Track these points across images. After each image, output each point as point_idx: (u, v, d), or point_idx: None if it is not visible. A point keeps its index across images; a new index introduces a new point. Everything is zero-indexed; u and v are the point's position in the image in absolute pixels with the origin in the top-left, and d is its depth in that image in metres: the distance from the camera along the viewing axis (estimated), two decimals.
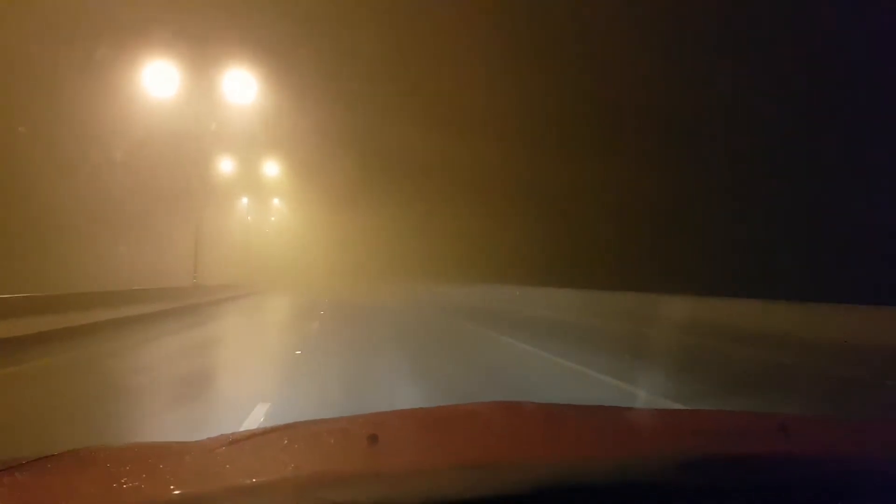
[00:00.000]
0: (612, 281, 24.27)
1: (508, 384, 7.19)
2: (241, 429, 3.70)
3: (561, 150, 38.83)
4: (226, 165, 41.94)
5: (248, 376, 8.05)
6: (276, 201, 63.61)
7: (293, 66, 34.12)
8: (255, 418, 5.00)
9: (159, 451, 1.63)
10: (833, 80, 24.92)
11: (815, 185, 23.67)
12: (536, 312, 20.45)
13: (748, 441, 1.54)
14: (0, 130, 23.14)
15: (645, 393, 6.19)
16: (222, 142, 35.48)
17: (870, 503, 1.19)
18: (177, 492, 1.21)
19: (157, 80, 25.98)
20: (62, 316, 12.19)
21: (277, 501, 1.10)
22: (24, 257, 22.97)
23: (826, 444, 1.58)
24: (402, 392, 6.34)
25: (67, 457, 1.51)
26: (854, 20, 24.12)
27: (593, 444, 1.59)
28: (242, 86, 29.00)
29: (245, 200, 52.26)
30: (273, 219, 69.16)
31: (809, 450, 1.45)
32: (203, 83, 28.14)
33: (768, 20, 27.88)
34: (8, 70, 22.40)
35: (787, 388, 7.39)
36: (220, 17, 29.95)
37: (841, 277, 18.88)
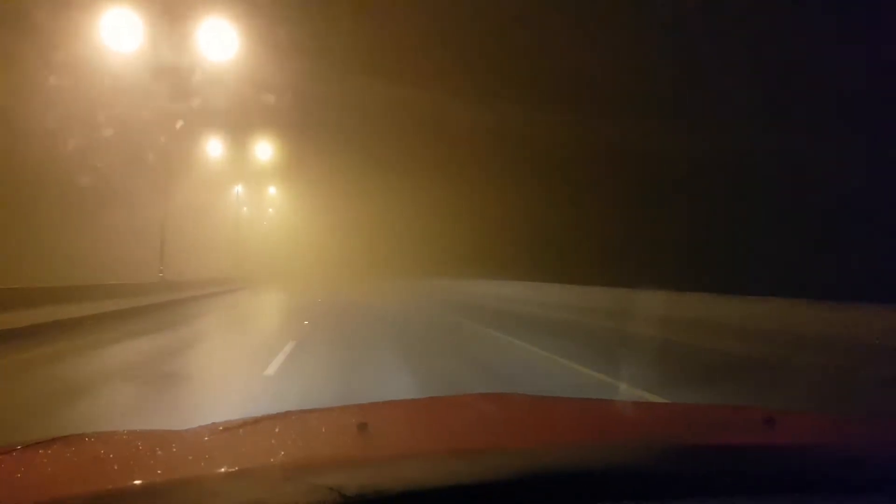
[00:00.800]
0: (617, 276, 22.54)
1: None
2: None
3: (564, 148, 35.75)
4: (213, 147, 36.51)
5: None
6: (272, 190, 58.21)
7: (279, 23, 28.55)
8: None
9: (151, 438, 1.57)
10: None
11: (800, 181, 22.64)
12: (580, 318, 16.19)
13: (734, 432, 1.53)
14: None
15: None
16: (205, 115, 29.79)
17: (852, 494, 1.16)
18: (168, 476, 1.18)
19: (118, 30, 20.52)
20: None
21: (268, 485, 1.05)
22: None
23: (810, 436, 1.56)
24: None
25: (59, 442, 1.47)
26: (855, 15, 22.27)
27: (581, 433, 1.56)
28: (224, 44, 23.42)
29: (238, 189, 46.81)
30: (271, 210, 64.33)
31: (794, 441, 1.43)
32: (177, 37, 22.59)
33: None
34: None
35: (734, 378, 7.37)
36: None
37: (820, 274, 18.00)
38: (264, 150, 44.51)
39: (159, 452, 1.39)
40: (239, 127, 38.50)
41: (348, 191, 66.33)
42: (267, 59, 30.15)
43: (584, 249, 33.02)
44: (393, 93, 41.45)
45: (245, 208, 52.54)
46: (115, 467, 1.28)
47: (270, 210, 64.17)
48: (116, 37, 20.53)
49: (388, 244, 67.24)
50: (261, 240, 58.66)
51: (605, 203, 34.05)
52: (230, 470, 1.18)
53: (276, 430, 1.58)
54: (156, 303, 17.23)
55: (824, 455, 1.28)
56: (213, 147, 36.62)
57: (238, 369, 7.07)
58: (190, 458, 1.35)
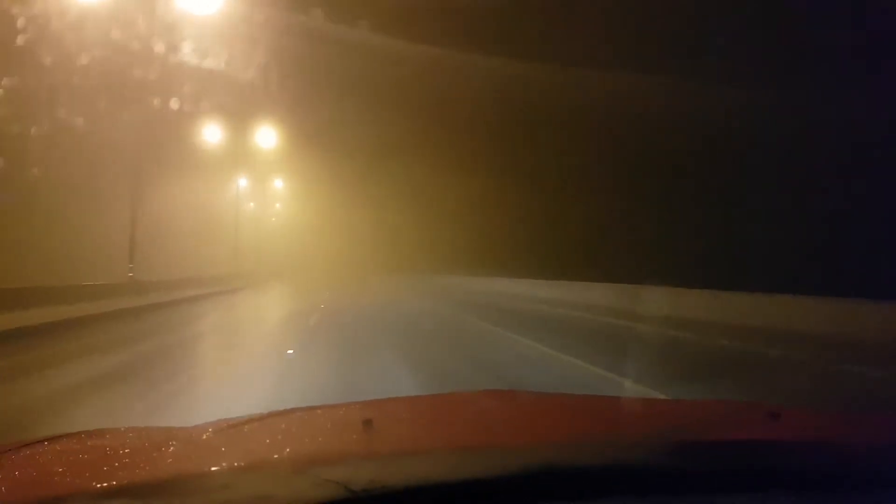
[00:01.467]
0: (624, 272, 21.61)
1: None
2: None
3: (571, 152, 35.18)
4: (208, 132, 32.16)
5: None
6: (278, 184, 53.84)
7: None
8: None
9: (158, 435, 1.54)
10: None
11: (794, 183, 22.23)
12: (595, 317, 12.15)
13: (737, 427, 1.50)
14: None
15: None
16: (197, 92, 25.25)
17: (856, 490, 1.10)
18: (177, 471, 1.16)
19: None
20: None
21: (276, 479, 1.02)
22: None
23: (814, 432, 1.53)
24: None
25: (66, 439, 1.44)
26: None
27: (585, 430, 1.52)
28: None
29: (242, 183, 42.55)
30: (278, 205, 60.21)
31: (798, 437, 1.40)
32: None
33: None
34: None
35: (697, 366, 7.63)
36: None
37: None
38: (267, 138, 40.17)
39: (166, 448, 1.35)
40: (238, 110, 34.12)
41: (359, 185, 62.37)
42: (265, 23, 25.75)
43: (593, 247, 31.85)
44: (405, 78, 37.35)
45: (252, 204, 48.63)
46: (124, 462, 1.26)
47: (277, 205, 60.13)
48: None
49: (400, 240, 63.67)
50: (265, 236, 54.37)
51: (615, 200, 32.43)
52: (239, 464, 1.16)
53: (283, 426, 1.55)
54: (102, 312, 12.78)
55: (828, 451, 1.24)
56: (209, 132, 32.25)
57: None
58: (198, 452, 1.32)
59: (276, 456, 1.24)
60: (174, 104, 23.13)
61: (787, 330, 11.16)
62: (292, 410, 1.67)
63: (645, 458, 1.10)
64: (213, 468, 1.14)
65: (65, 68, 17.70)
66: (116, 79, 19.54)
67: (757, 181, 24.46)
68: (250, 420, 1.52)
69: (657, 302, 14.56)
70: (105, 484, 1.04)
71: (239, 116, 34.52)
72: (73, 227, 20.93)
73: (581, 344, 9.73)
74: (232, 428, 1.44)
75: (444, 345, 9.74)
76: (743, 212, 24.78)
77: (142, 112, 20.81)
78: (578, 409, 1.83)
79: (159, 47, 19.41)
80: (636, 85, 27.96)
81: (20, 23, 16.26)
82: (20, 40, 16.36)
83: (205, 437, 1.41)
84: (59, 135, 18.73)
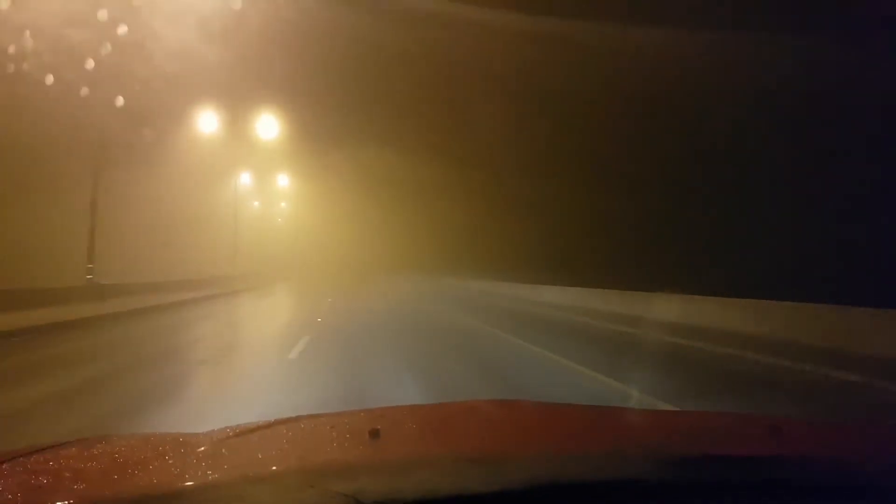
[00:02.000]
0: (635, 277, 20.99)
1: None
2: None
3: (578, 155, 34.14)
4: (198, 118, 28.76)
5: None
6: (282, 182, 50.50)
7: None
8: None
9: (166, 441, 1.51)
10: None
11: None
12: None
13: (740, 441, 1.49)
14: None
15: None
16: (188, 72, 21.63)
17: (854, 499, 1.12)
18: (184, 480, 1.14)
19: None
20: None
21: (283, 490, 1.02)
22: None
23: (816, 444, 1.50)
24: None
25: (77, 445, 1.44)
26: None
27: (589, 441, 1.52)
28: None
29: (244, 179, 39.28)
30: (284, 204, 57.04)
31: (800, 450, 1.38)
32: None
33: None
34: None
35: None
36: None
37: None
38: (270, 131, 36.68)
39: (175, 457, 1.33)
40: (239, 105, 30.86)
41: (368, 184, 59.33)
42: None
43: (607, 248, 31.28)
44: (413, 75, 34.41)
45: (256, 203, 45.50)
46: (133, 470, 1.24)
47: (283, 204, 56.95)
48: None
49: (412, 242, 60.78)
50: (269, 235, 51.12)
51: (628, 198, 31.43)
52: (248, 475, 1.13)
53: (290, 434, 1.54)
54: (20, 326, 9.26)
55: (828, 462, 1.23)
56: (204, 122, 28.81)
57: None
58: (206, 462, 1.29)
59: (285, 467, 1.22)
60: (160, 87, 19.74)
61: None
62: (298, 419, 1.64)
63: (648, 470, 1.09)
64: (222, 479, 1.13)
65: (20, 41, 14.19)
66: (85, 59, 15.83)
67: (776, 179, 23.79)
68: (258, 427, 1.48)
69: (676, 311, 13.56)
70: (114, 492, 1.05)
71: (241, 111, 31.29)
72: (24, 221, 17.49)
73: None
74: (239, 436, 1.42)
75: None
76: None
77: (113, 94, 17.23)
78: (584, 420, 1.81)
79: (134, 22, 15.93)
80: (649, 87, 26.51)
81: None
82: None
83: (213, 445, 1.38)
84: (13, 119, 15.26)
